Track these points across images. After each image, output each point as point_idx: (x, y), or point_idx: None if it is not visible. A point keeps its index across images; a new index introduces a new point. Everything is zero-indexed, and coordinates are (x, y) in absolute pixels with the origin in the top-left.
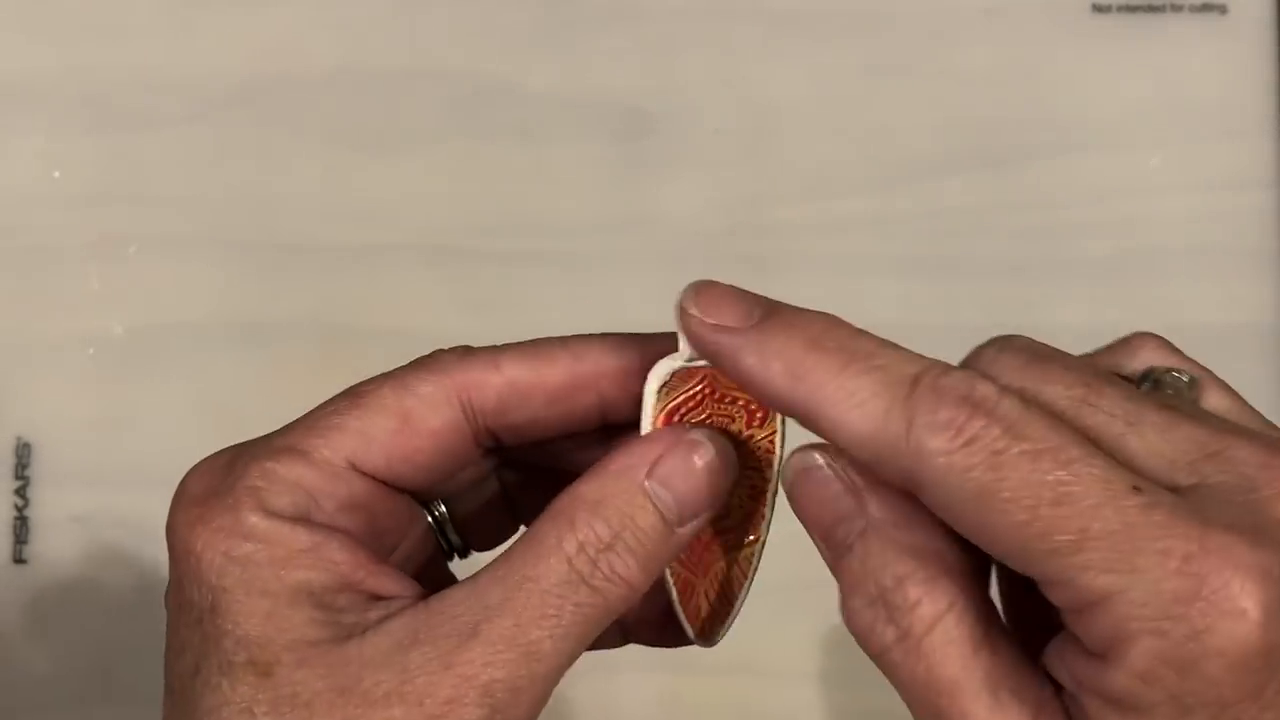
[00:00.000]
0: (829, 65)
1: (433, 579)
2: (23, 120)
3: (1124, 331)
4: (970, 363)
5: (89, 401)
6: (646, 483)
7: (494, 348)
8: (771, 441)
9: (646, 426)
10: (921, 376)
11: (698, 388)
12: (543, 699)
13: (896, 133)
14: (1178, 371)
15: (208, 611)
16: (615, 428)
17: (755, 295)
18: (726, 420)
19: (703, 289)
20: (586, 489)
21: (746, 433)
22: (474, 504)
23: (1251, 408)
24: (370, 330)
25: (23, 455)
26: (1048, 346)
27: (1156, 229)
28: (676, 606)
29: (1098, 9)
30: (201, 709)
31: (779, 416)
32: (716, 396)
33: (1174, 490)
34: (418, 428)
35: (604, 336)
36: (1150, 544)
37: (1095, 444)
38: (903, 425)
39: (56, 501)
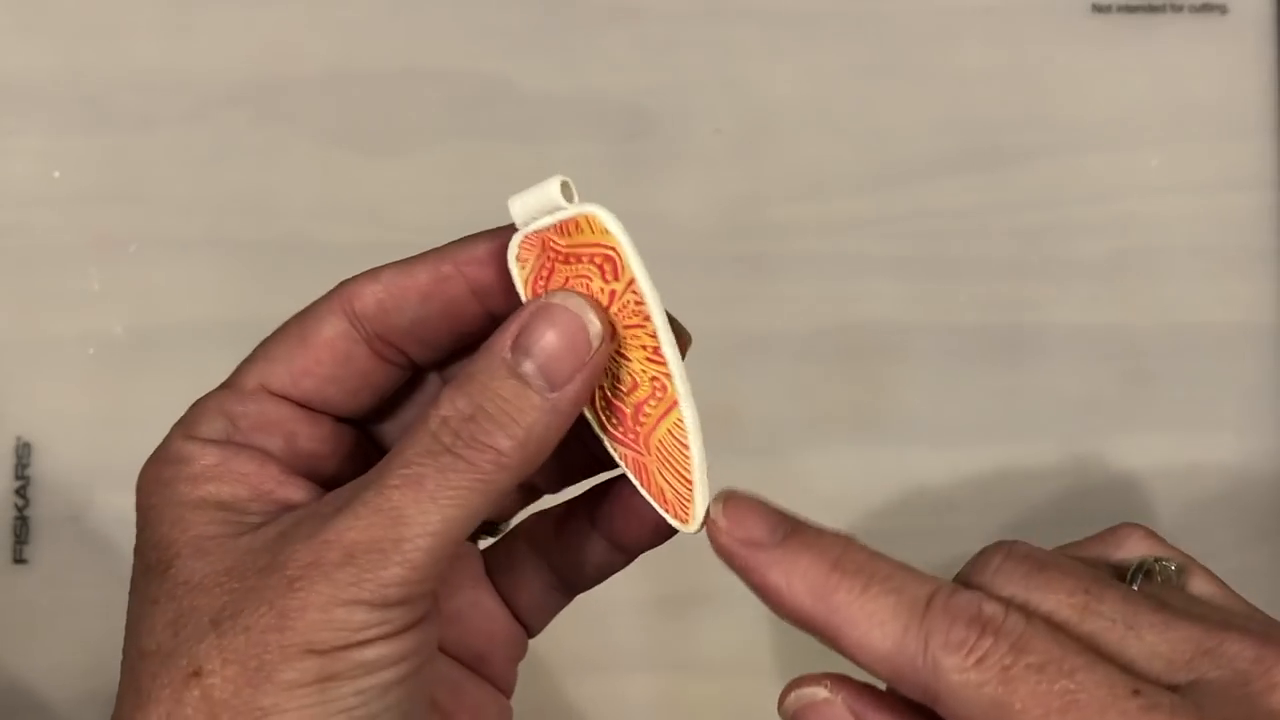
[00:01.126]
0: (829, 65)
1: None
2: (22, 120)
3: (1124, 331)
4: (975, 570)
5: (89, 401)
6: (509, 354)
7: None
8: (635, 291)
9: (522, 300)
10: (934, 597)
11: (544, 254)
12: (419, 564)
13: (896, 133)
14: (1165, 560)
15: (139, 532)
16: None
17: (778, 511)
18: (584, 279)
19: (731, 501)
20: (457, 374)
21: (608, 287)
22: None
23: (1233, 591)
24: None
25: (23, 455)
26: (1047, 553)
27: (1156, 229)
28: (641, 491)
29: (1097, 9)
30: (130, 611)
31: (631, 263)
32: (560, 258)
33: (1174, 688)
34: (311, 341)
35: (464, 237)
36: None
37: (1097, 650)
38: (920, 644)
39: (56, 501)
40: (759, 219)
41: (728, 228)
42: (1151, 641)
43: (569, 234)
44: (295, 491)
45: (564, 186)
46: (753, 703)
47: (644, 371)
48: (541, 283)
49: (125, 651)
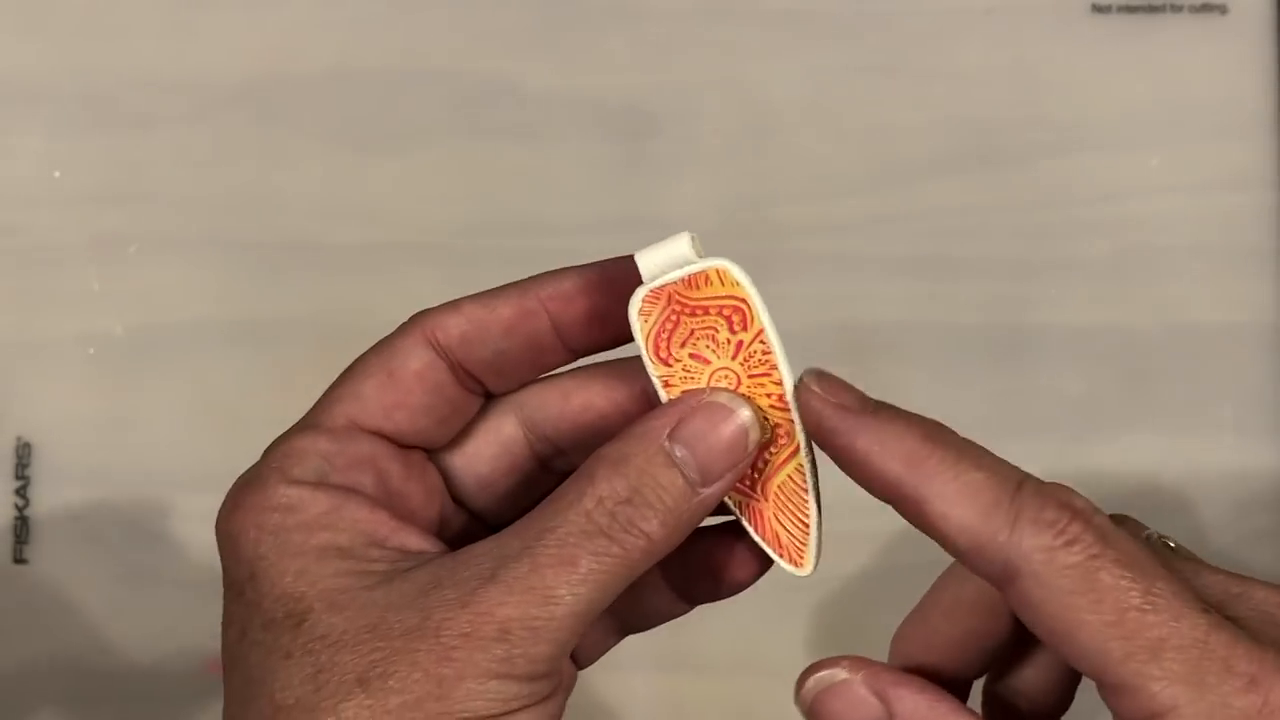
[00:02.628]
0: (829, 65)
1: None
2: (23, 120)
3: (1124, 331)
4: None
5: (89, 401)
6: (666, 442)
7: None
8: (763, 340)
9: (642, 355)
10: (1026, 480)
11: (669, 308)
12: (563, 643)
13: (896, 133)
14: (1165, 538)
15: (248, 582)
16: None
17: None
18: (711, 331)
19: (823, 374)
20: (609, 449)
21: (735, 338)
22: (502, 476)
23: None
24: (370, 330)
25: (23, 455)
26: None
27: (1156, 229)
28: (756, 538)
29: (1097, 9)
30: (249, 663)
31: (760, 314)
32: (687, 311)
33: None
34: (399, 375)
35: (549, 271)
36: (1219, 662)
37: None
38: (1008, 519)
39: (57, 501)
40: (759, 219)
41: (728, 228)
42: (1189, 578)
43: (698, 287)
44: (410, 538)
45: (693, 241)
46: (753, 703)
47: (767, 420)
48: (665, 336)
49: (249, 706)
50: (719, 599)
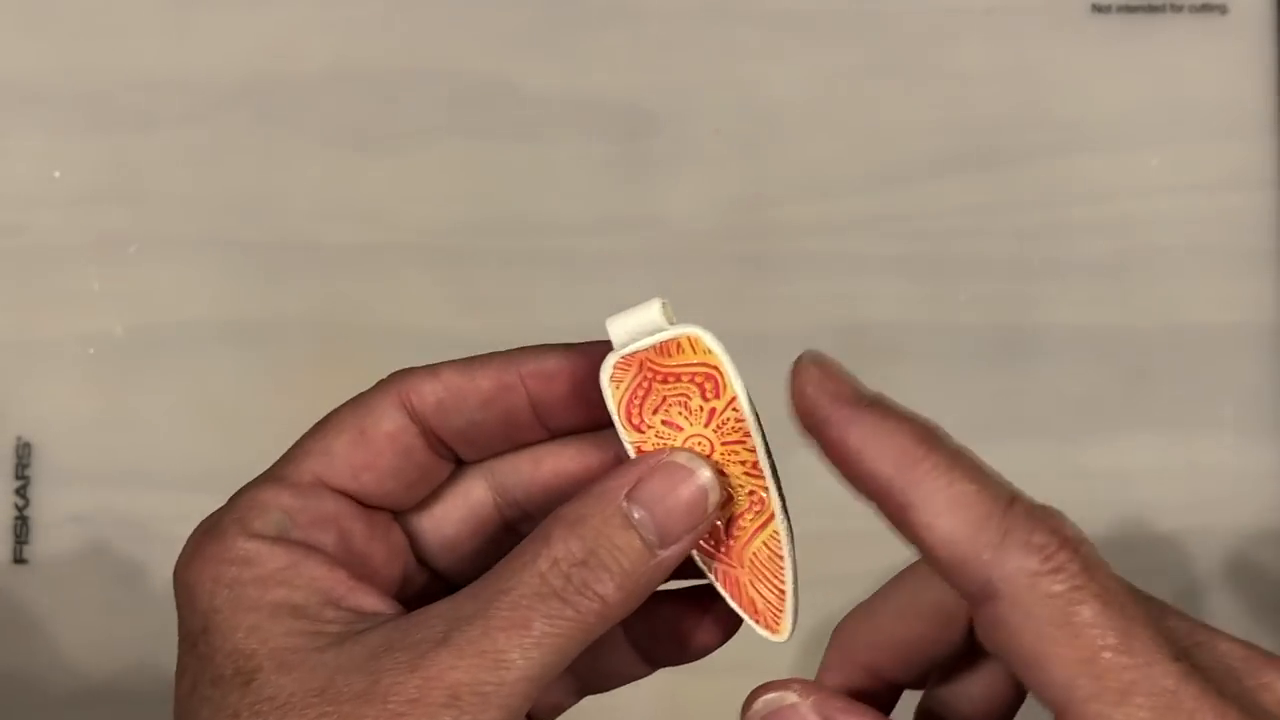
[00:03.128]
0: (829, 65)
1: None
2: (23, 120)
3: (1124, 331)
4: None
5: (89, 401)
6: (624, 503)
7: (440, 363)
8: (736, 409)
9: (615, 422)
10: (1017, 499)
11: (640, 375)
12: (514, 709)
13: (896, 133)
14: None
15: (201, 635)
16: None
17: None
18: (683, 398)
19: (822, 359)
20: (566, 509)
21: (707, 405)
22: (468, 538)
23: None
24: (370, 330)
25: (23, 455)
26: None
27: (1156, 229)
28: (732, 604)
29: (1097, 9)
30: (199, 718)
31: (733, 381)
32: (659, 378)
33: None
34: (371, 435)
35: (534, 346)
36: (1185, 715)
37: None
38: (995, 537)
39: (57, 501)
40: (759, 219)
41: (728, 228)
42: (1163, 625)
43: (670, 354)
44: (366, 598)
45: (664, 308)
46: None
47: (741, 486)
48: (638, 404)
49: None
50: (683, 663)
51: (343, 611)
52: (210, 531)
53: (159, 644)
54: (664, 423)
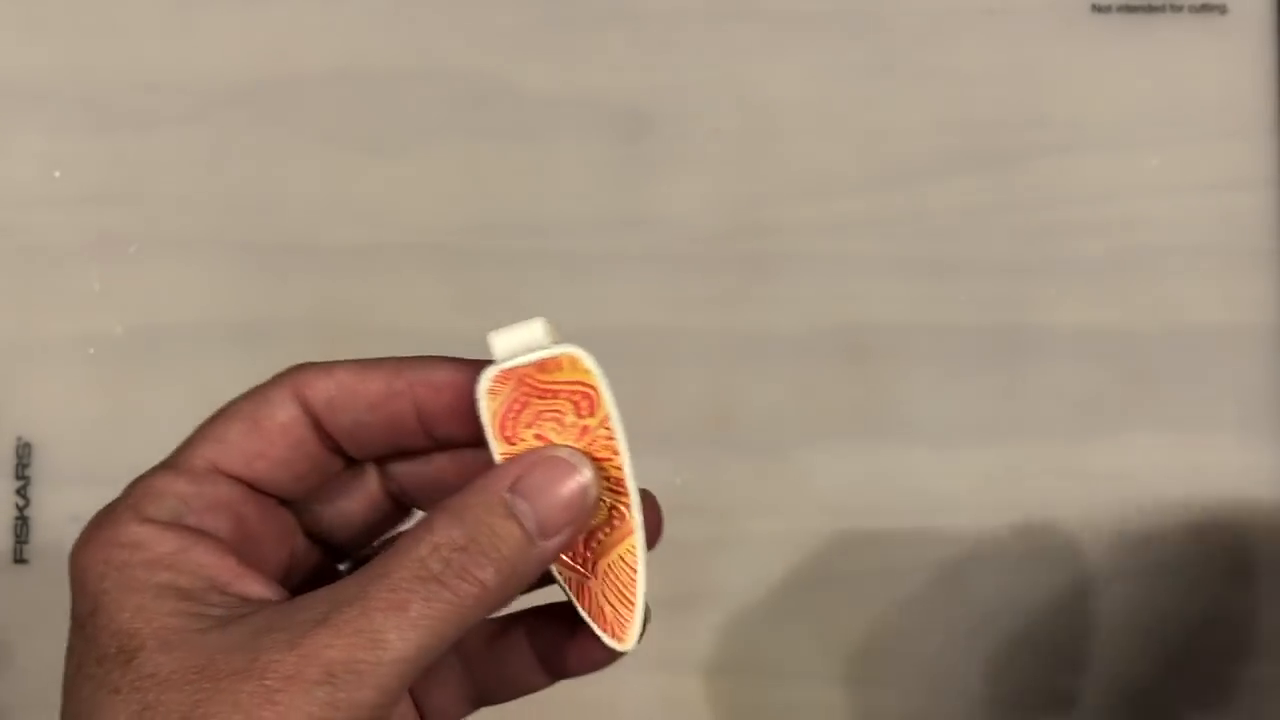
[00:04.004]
0: (828, 65)
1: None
2: (23, 120)
3: (1124, 331)
4: None
5: (89, 401)
6: (507, 494)
7: (337, 361)
8: (607, 427)
9: (487, 432)
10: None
11: (518, 389)
12: (389, 690)
13: (896, 133)
14: None
15: (89, 616)
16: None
17: None
18: (558, 414)
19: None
20: (451, 500)
21: (581, 421)
22: (364, 528)
23: None
24: (370, 330)
25: (23, 455)
26: None
27: (1156, 229)
28: (580, 610)
29: (1097, 9)
30: (81, 696)
31: (607, 401)
32: (536, 394)
33: None
34: (265, 425)
35: (427, 356)
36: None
37: None
38: None
39: (57, 501)
40: (759, 219)
41: (728, 228)
42: None
43: (548, 371)
44: (252, 585)
45: (548, 327)
46: (753, 703)
47: (604, 500)
48: (513, 417)
49: None
50: (579, 674)
51: (228, 597)
52: (104, 517)
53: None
54: (536, 436)
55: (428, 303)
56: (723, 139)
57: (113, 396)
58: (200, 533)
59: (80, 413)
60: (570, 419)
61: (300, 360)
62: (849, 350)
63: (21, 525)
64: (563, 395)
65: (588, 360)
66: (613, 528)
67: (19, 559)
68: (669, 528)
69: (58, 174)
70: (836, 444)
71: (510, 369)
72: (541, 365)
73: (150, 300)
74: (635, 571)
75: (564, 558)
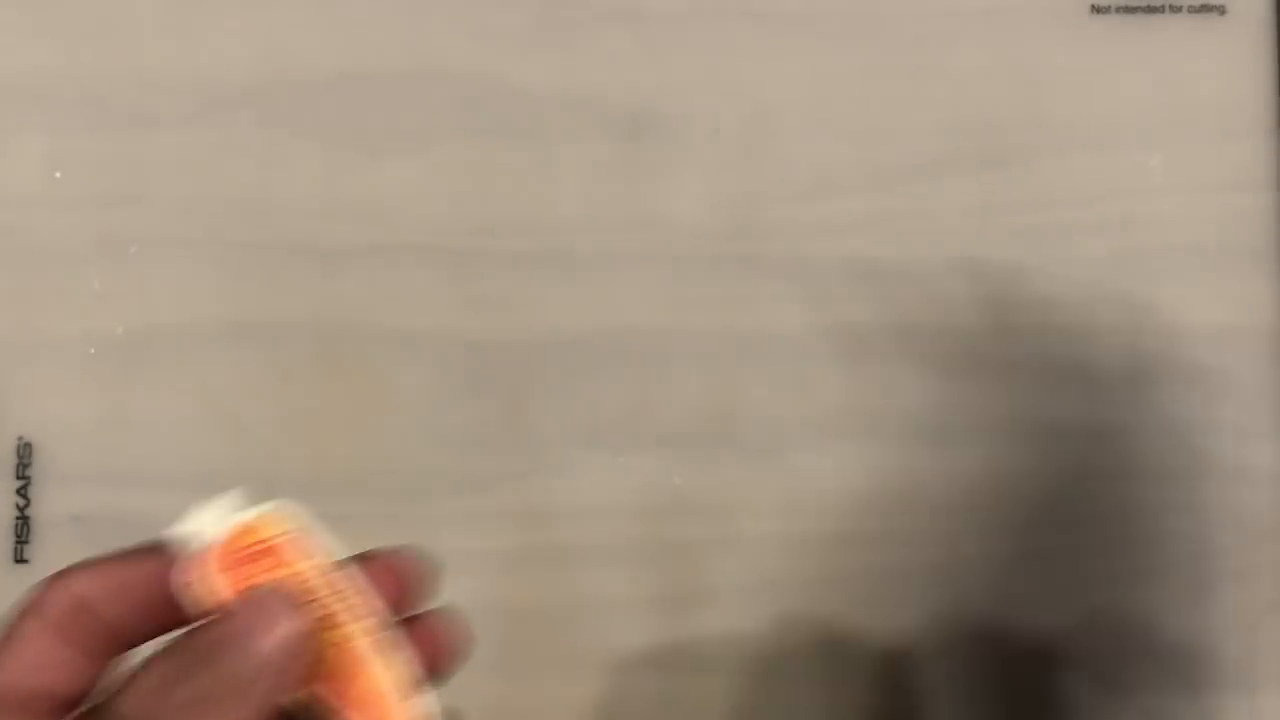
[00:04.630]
0: (828, 66)
1: None
2: (24, 121)
3: (1124, 331)
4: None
5: (90, 401)
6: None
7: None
8: (322, 567)
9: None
10: None
11: (221, 566)
12: None
13: (895, 133)
14: None
15: None
16: None
17: None
18: (262, 573)
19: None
20: (166, 646)
21: (284, 572)
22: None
23: None
24: (370, 330)
25: (24, 455)
26: None
27: (1156, 229)
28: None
29: (1096, 10)
30: None
31: (302, 542)
32: (242, 561)
33: None
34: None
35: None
36: None
37: None
38: None
39: (58, 501)
40: (759, 219)
41: (728, 228)
42: None
43: (248, 537)
44: None
45: (236, 499)
46: (753, 703)
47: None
48: (231, 589)
49: None
50: None
51: None
52: None
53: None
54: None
55: (428, 303)
56: (723, 139)
57: (113, 396)
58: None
59: (81, 413)
60: (272, 574)
61: (301, 358)
62: (849, 350)
63: (22, 525)
64: (260, 554)
65: (278, 514)
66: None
67: (20, 559)
68: (669, 527)
69: (59, 174)
70: (836, 444)
71: (212, 548)
72: (243, 534)
73: (151, 300)
74: (384, 687)
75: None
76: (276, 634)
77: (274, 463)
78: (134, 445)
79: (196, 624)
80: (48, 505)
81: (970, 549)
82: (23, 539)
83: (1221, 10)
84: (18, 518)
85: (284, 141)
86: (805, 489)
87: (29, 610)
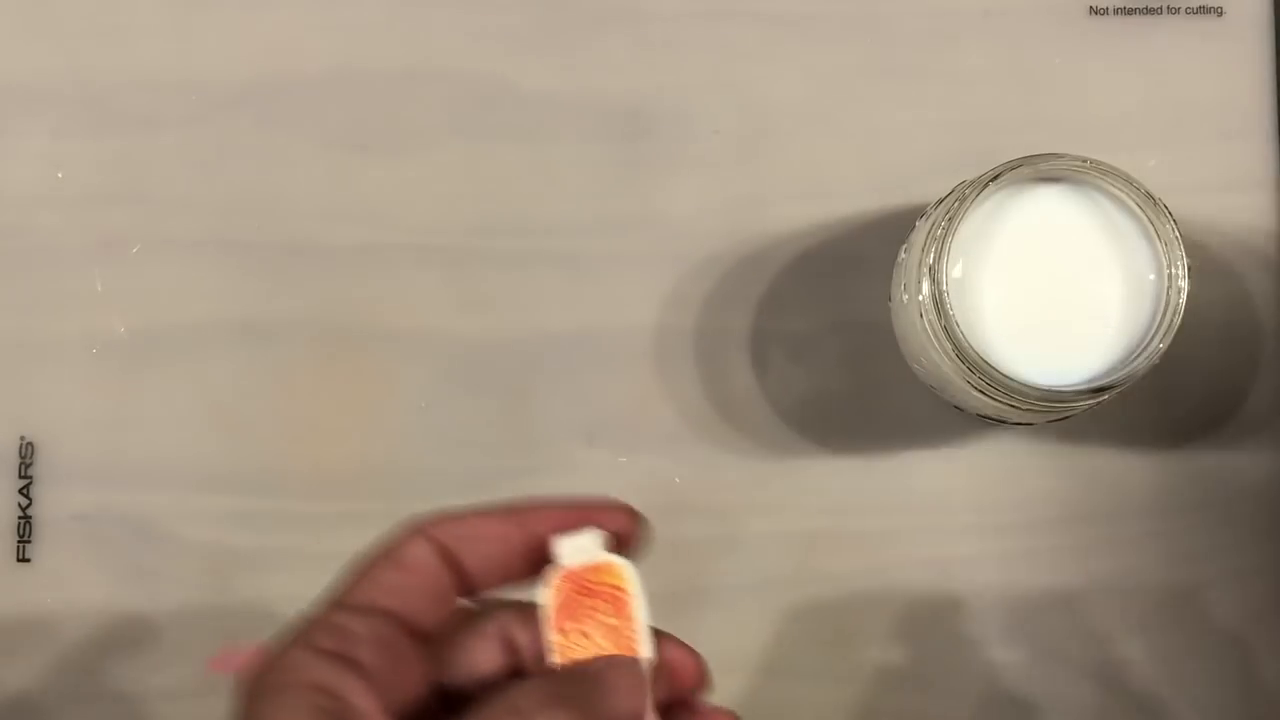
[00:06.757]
0: (828, 66)
1: None
2: (25, 121)
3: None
4: None
5: (92, 401)
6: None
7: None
8: (631, 630)
9: (546, 622)
10: None
11: (571, 585)
12: None
13: (896, 133)
14: None
15: None
16: None
17: None
18: (594, 611)
19: None
20: (552, 683)
21: (610, 620)
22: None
23: None
24: (370, 330)
25: (26, 454)
26: None
27: None
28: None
29: (1095, 11)
30: None
31: (636, 608)
32: (584, 591)
33: None
34: (406, 563)
35: (533, 502)
36: None
37: None
38: None
39: (60, 501)
40: (759, 219)
41: (728, 228)
42: None
43: (598, 573)
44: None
45: (603, 540)
46: (753, 703)
47: None
48: (564, 611)
49: None
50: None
51: None
52: (278, 644)
53: (161, 643)
54: (580, 632)
55: (428, 303)
56: (722, 139)
57: (115, 396)
58: (356, 664)
59: (83, 412)
60: (603, 618)
61: (301, 358)
62: (849, 350)
63: (25, 525)
64: (601, 595)
65: (628, 572)
66: None
67: (22, 558)
68: (668, 527)
69: (60, 175)
70: (836, 444)
71: (571, 571)
72: (594, 568)
73: (152, 300)
74: None
75: None
76: (634, 702)
77: (274, 462)
78: (136, 445)
79: (572, 665)
80: (50, 505)
81: (970, 549)
82: (25, 538)
83: (1219, 12)
84: (20, 517)
85: (285, 142)
86: (805, 489)
87: (409, 537)
